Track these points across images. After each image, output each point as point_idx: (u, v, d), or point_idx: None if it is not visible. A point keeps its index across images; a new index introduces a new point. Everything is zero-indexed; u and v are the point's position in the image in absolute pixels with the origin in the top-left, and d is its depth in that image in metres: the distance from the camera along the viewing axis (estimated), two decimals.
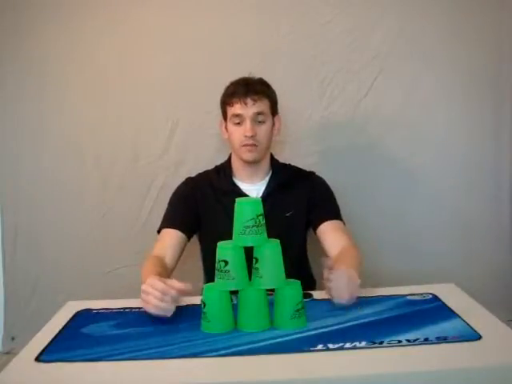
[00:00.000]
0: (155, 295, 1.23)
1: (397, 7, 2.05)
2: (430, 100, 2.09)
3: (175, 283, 1.25)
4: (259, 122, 1.61)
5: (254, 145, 1.61)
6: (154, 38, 2.04)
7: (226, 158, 1.76)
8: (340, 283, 1.30)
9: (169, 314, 1.24)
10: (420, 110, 2.09)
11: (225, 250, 1.26)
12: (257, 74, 1.66)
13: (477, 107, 2.11)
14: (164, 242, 1.60)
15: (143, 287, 1.26)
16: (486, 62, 2.08)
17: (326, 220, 1.63)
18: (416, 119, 2.10)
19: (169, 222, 1.65)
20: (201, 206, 1.67)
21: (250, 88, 1.60)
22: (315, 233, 1.67)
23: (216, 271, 1.27)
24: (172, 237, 1.61)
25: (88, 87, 2.06)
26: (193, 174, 1.75)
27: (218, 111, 1.69)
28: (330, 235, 1.61)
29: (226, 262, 1.24)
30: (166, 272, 1.49)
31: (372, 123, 2.09)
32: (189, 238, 1.66)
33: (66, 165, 2.08)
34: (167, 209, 1.70)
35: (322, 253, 1.61)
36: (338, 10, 2.05)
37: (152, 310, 1.24)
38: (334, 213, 1.67)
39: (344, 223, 1.66)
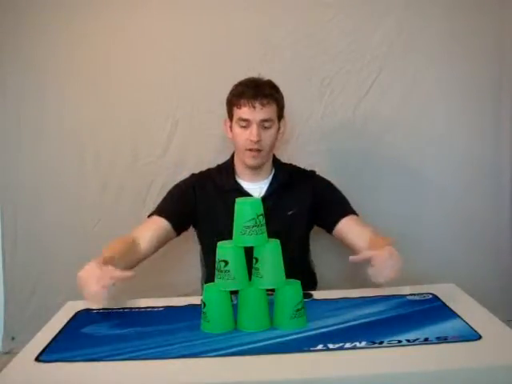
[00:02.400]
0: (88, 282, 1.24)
1: (397, 7, 2.05)
2: (430, 100, 2.09)
3: (112, 271, 1.24)
4: (265, 127, 1.59)
5: (258, 150, 1.59)
6: (154, 38, 2.04)
7: (226, 158, 1.76)
8: (384, 262, 1.29)
9: (96, 304, 1.27)
10: (420, 109, 2.09)
11: (225, 249, 1.26)
12: (257, 74, 1.65)
13: (477, 107, 2.11)
14: (149, 226, 1.59)
15: (79, 273, 1.27)
16: (485, 62, 2.08)
17: (342, 218, 1.61)
18: (416, 119, 2.10)
19: (162, 211, 1.63)
20: (201, 204, 1.66)
21: (259, 91, 1.57)
22: (332, 233, 1.64)
23: (216, 271, 1.27)
24: (159, 225, 1.59)
25: (88, 87, 2.06)
26: (195, 173, 1.75)
27: (219, 111, 1.69)
28: (352, 229, 1.58)
29: (226, 262, 1.24)
30: (132, 251, 1.48)
31: (372, 123, 2.09)
32: (177, 233, 1.64)
33: (66, 165, 2.08)
34: (164, 198, 1.69)
35: (349, 251, 1.55)
36: (337, 10, 2.05)
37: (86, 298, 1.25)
38: (346, 209, 1.65)
39: (358, 215, 1.64)
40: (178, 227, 1.64)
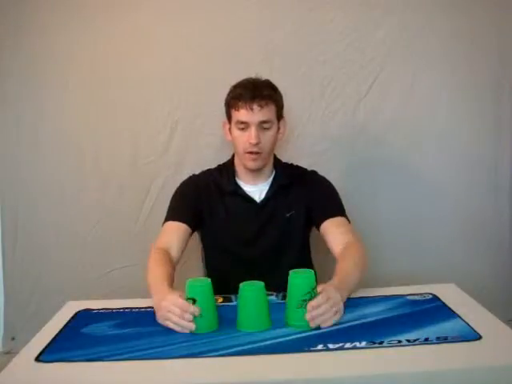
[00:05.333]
0: (175, 312, 1.23)
1: (397, 7, 2.05)
2: (430, 100, 2.09)
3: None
4: (265, 128, 1.58)
5: (258, 152, 1.58)
6: (154, 38, 2.04)
7: (226, 158, 1.75)
8: (322, 311, 1.23)
9: (186, 331, 1.23)
10: (420, 109, 2.09)
11: (194, 288, 1.25)
12: (256, 75, 1.65)
13: (477, 107, 2.10)
14: (169, 234, 1.58)
15: (164, 304, 1.25)
16: (485, 62, 2.08)
17: (329, 217, 1.59)
18: (416, 119, 2.10)
19: (174, 215, 1.62)
20: (204, 204, 1.66)
21: (257, 92, 1.55)
22: (319, 230, 1.63)
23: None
24: (177, 229, 1.59)
25: (88, 87, 2.06)
26: (195, 173, 1.75)
27: (218, 112, 1.68)
28: (332, 232, 1.57)
29: (195, 300, 1.23)
30: (172, 267, 1.48)
31: (372, 123, 2.09)
32: (192, 231, 1.64)
33: (65, 165, 2.08)
34: (172, 202, 1.68)
35: (327, 250, 1.58)
36: (338, 10, 2.05)
37: (171, 326, 1.25)
38: (336, 209, 1.63)
39: (349, 220, 1.62)
40: (193, 226, 1.63)
